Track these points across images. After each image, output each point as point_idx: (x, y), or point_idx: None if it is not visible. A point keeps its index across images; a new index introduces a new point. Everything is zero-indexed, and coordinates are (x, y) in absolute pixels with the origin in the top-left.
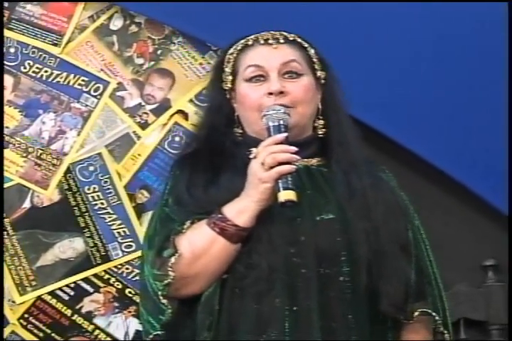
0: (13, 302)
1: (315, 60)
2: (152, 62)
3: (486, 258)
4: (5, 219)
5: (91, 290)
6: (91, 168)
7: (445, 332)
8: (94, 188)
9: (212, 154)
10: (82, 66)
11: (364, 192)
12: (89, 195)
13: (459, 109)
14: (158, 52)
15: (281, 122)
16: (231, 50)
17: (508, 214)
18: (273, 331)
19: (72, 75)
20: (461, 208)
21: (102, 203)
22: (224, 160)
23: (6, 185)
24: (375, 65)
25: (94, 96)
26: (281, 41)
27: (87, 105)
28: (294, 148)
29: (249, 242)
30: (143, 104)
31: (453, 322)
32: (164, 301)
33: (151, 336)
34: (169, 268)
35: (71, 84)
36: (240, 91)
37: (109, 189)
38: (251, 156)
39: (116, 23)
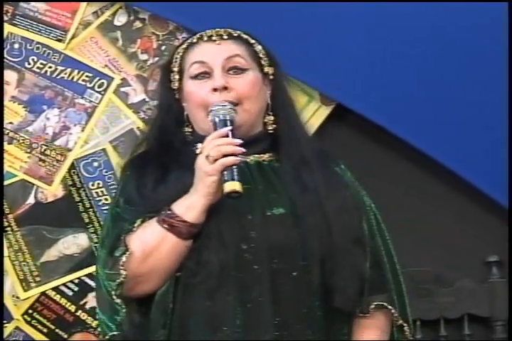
0: (17, 298)
1: (261, 55)
2: (156, 58)
3: (490, 254)
4: (9, 215)
5: (95, 285)
6: (95, 164)
7: (405, 324)
8: (99, 184)
9: (161, 153)
10: (87, 62)
11: (315, 187)
12: (93, 191)
13: (460, 109)
14: (163, 48)
15: (227, 117)
16: (179, 50)
17: (507, 208)
18: (227, 329)
19: (76, 71)
20: (465, 204)
21: (106, 199)
22: (173, 159)
23: (10, 181)
24: (377, 63)
25: (99, 92)
26: (225, 37)
27: (91, 101)
28: (238, 141)
29: (200, 239)
30: (147, 99)
31: (456, 318)
32: (118, 301)
33: (107, 337)
34: (121, 267)
35: (75, 79)
36: (187, 89)
37: (113, 185)
38: (197, 151)
39: (121, 19)
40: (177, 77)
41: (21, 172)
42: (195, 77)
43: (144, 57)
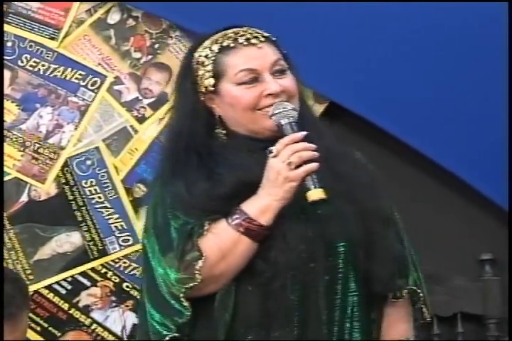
0: None
1: (284, 53)
2: (149, 56)
3: (483, 253)
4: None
5: (88, 284)
6: (88, 162)
7: (425, 309)
8: (92, 182)
9: (201, 157)
10: (80, 60)
11: (346, 174)
12: (86, 189)
13: (460, 108)
14: (156, 46)
15: (291, 119)
16: (205, 52)
17: (508, 209)
18: (285, 327)
19: (69, 69)
20: (459, 202)
21: (100, 197)
22: (216, 159)
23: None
24: (374, 62)
25: (92, 90)
26: (262, 39)
27: (84, 99)
28: (313, 146)
29: (267, 240)
30: (140, 98)
31: (450, 316)
32: (186, 304)
33: (167, 338)
34: (196, 272)
35: (68, 78)
36: (231, 94)
37: (106, 183)
38: (271, 155)
39: (114, 17)
40: (211, 80)
41: (14, 170)
42: (242, 83)
43: (137, 55)
